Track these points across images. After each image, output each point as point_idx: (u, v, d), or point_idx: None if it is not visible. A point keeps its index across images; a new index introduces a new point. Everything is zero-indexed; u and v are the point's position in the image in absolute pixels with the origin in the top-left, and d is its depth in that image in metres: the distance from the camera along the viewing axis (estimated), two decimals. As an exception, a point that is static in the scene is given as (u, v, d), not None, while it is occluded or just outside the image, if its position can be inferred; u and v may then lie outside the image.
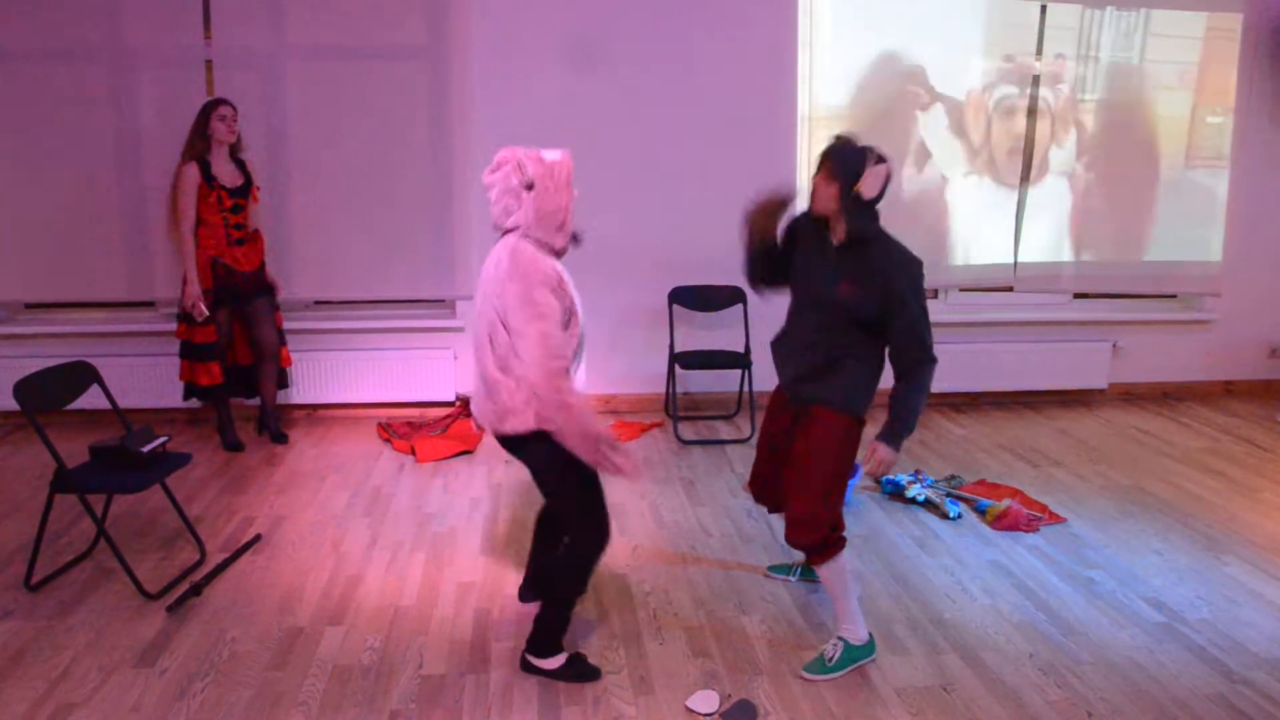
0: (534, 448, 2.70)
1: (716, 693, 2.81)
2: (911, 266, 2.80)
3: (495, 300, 2.62)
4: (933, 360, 2.83)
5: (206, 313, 4.61)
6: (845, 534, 2.94)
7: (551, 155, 2.59)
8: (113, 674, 2.89)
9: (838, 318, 2.86)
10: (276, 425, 5.07)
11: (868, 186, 2.72)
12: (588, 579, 2.87)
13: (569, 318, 2.62)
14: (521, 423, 2.64)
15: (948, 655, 3.05)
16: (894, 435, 2.86)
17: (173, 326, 5.26)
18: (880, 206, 2.82)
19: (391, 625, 3.19)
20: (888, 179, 2.74)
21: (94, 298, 5.25)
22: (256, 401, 5.11)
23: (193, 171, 4.52)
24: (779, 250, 3.00)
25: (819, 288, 2.88)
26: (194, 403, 5.27)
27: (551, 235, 2.63)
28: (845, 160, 2.74)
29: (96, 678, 2.87)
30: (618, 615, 3.27)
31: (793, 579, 3.53)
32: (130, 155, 5.03)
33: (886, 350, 2.91)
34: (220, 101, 4.58)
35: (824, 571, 2.92)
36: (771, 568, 3.60)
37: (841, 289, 2.81)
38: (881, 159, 2.74)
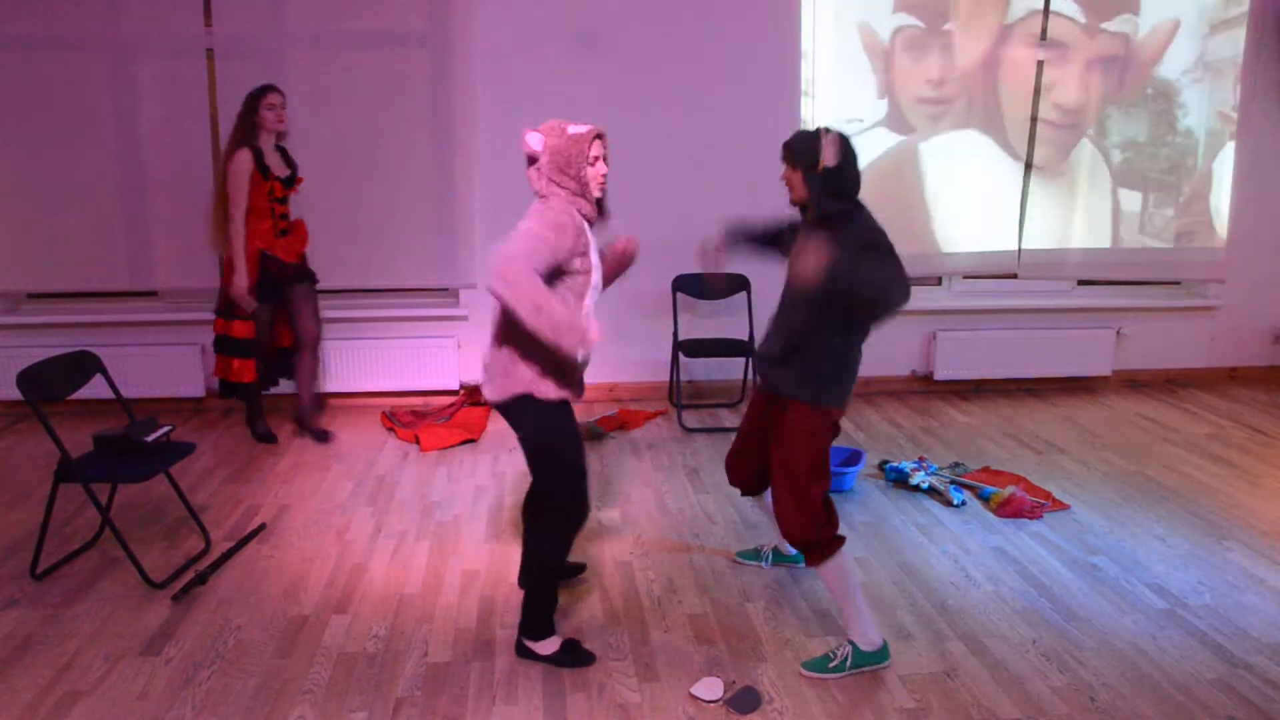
0: (522, 413, 2.75)
1: (720, 680, 2.82)
2: (870, 234, 2.75)
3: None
4: (897, 288, 2.64)
5: (255, 304, 4.50)
6: (841, 532, 2.86)
7: (576, 129, 2.68)
8: (118, 662, 2.90)
9: (808, 302, 2.80)
10: (316, 424, 4.92)
11: (827, 156, 2.75)
12: (566, 553, 2.90)
13: (580, 259, 2.67)
14: (511, 387, 2.70)
15: (951, 642, 3.05)
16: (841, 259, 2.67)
17: (177, 316, 5.29)
18: (854, 187, 2.82)
19: (396, 613, 3.20)
20: (843, 146, 2.76)
21: (96, 287, 5.25)
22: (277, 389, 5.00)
23: (246, 158, 4.35)
24: (765, 240, 3.16)
25: (793, 267, 2.90)
26: (195, 390, 5.29)
27: (574, 201, 2.70)
28: (800, 144, 2.80)
29: (102, 666, 2.88)
30: (622, 603, 3.28)
31: (765, 565, 3.53)
32: (131, 144, 5.02)
33: (858, 340, 2.87)
34: (268, 89, 4.43)
35: (823, 574, 2.86)
36: (741, 554, 3.59)
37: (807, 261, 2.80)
38: (832, 132, 2.78)
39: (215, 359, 4.70)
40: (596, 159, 2.71)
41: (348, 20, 5.00)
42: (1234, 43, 5.45)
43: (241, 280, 4.44)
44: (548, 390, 2.71)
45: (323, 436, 4.87)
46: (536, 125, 2.73)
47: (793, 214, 3.02)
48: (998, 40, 5.38)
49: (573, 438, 2.81)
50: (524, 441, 2.81)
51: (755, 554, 3.57)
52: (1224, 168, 5.62)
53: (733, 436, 4.96)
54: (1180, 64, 5.50)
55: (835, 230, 2.76)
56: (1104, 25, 5.39)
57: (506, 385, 2.72)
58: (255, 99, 4.41)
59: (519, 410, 2.74)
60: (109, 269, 5.15)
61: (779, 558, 3.53)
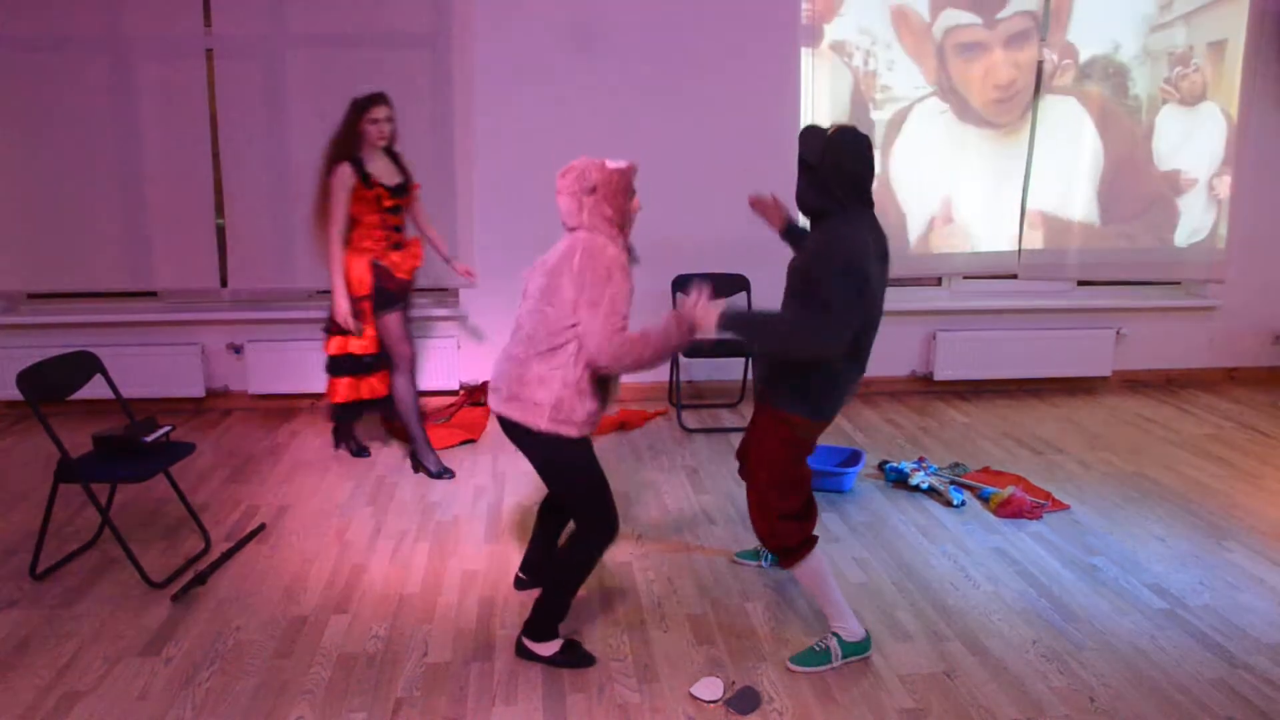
0: (537, 445, 2.76)
1: (720, 680, 2.82)
2: (834, 251, 2.59)
3: (557, 284, 2.68)
4: (822, 341, 2.56)
5: (360, 325, 4.20)
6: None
7: (614, 164, 2.75)
8: (118, 663, 2.90)
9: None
10: (358, 438, 4.74)
11: (811, 153, 2.66)
12: (594, 565, 2.91)
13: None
14: (533, 418, 2.71)
15: (951, 642, 3.05)
16: (733, 316, 2.59)
17: (177, 316, 5.29)
18: (842, 187, 2.67)
19: (396, 613, 3.20)
20: (838, 144, 2.63)
21: (95, 288, 5.25)
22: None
23: (347, 173, 4.03)
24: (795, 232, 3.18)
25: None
26: (195, 390, 5.27)
27: (612, 237, 2.74)
28: (800, 139, 2.72)
29: (102, 666, 2.88)
30: (621, 603, 3.28)
31: (765, 564, 3.53)
32: (131, 145, 5.02)
33: (849, 356, 2.75)
34: (375, 100, 4.08)
35: (798, 575, 2.88)
36: (740, 554, 3.60)
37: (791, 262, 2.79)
38: (836, 129, 2.67)
39: (329, 382, 4.35)
40: (634, 194, 2.79)
41: (348, 20, 4.99)
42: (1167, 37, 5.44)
43: (342, 301, 4.13)
44: (581, 431, 2.75)
45: (362, 451, 4.69)
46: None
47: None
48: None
49: (592, 463, 2.83)
50: (541, 470, 2.85)
51: (755, 554, 3.57)
52: (1216, 171, 5.62)
53: (733, 437, 5.02)
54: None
55: (818, 230, 2.71)
56: (1000, 15, 5.36)
57: (531, 414, 2.71)
58: (359, 111, 4.08)
59: (532, 441, 2.76)
60: (109, 269, 5.14)
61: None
